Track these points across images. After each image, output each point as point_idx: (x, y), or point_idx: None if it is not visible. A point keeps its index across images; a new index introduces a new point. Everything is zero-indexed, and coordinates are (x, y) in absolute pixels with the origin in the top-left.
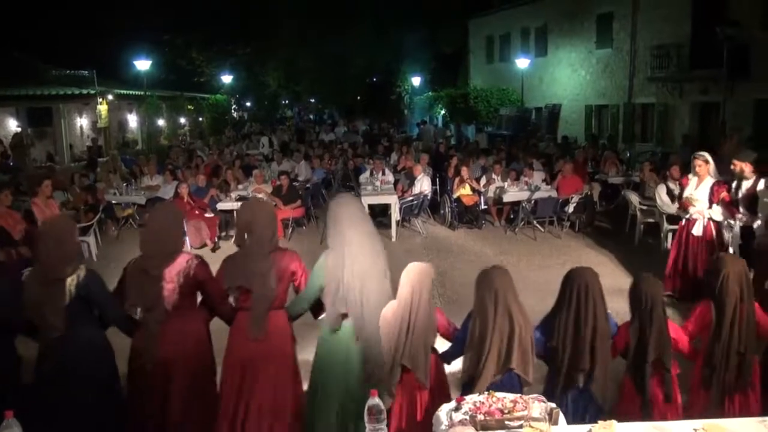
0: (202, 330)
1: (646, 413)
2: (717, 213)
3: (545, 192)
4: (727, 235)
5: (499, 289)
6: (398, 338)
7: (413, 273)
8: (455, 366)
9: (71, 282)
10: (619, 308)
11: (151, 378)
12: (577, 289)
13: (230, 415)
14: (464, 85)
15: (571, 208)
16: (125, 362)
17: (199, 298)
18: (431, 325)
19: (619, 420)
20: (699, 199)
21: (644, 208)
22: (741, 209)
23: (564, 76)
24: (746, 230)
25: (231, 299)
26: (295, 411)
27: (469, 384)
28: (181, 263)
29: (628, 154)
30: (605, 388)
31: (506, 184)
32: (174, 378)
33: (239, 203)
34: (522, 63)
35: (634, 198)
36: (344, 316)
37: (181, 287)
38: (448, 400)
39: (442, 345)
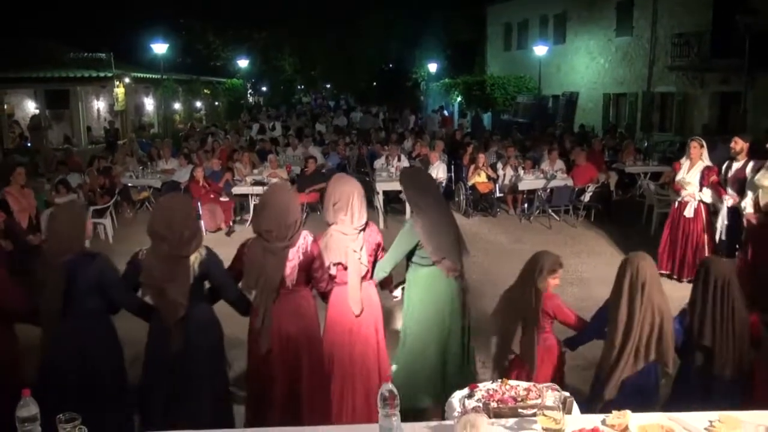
0: (314, 305)
1: None
2: (707, 196)
3: (561, 180)
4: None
5: (647, 279)
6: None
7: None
8: None
9: (195, 260)
10: None
11: (277, 355)
12: (715, 282)
13: (341, 384)
14: (481, 72)
15: (587, 197)
16: None
17: None
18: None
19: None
20: (690, 182)
21: (661, 198)
22: (728, 190)
23: (582, 64)
24: (733, 211)
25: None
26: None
27: (602, 374)
28: (298, 240)
29: (646, 144)
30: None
31: (522, 172)
32: (298, 354)
33: (254, 188)
34: (540, 50)
35: (651, 187)
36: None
37: (301, 264)
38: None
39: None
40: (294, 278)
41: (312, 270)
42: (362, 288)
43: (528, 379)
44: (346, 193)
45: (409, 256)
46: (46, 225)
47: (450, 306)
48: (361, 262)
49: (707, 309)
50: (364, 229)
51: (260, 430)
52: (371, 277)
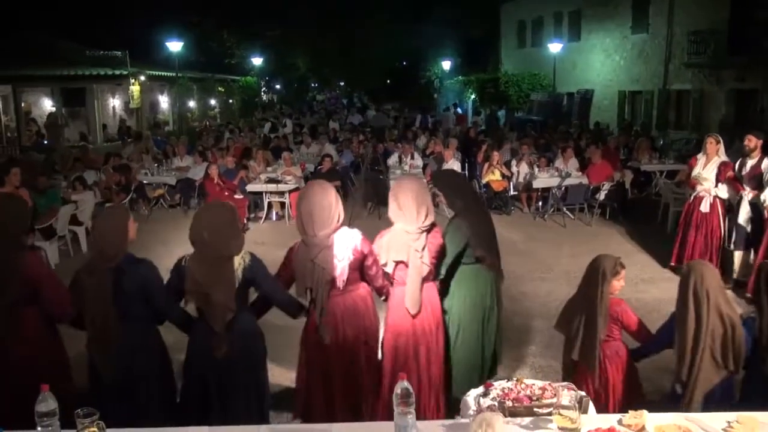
0: (372, 305)
1: None
2: (723, 191)
3: (576, 179)
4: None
5: (711, 287)
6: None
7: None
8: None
9: (239, 266)
10: (648, 298)
11: (334, 354)
12: None
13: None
14: (495, 69)
15: (602, 196)
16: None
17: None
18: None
19: None
20: (707, 177)
21: (677, 196)
22: (745, 186)
23: (597, 61)
24: (753, 206)
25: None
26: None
27: (678, 385)
28: (348, 238)
29: (662, 142)
30: None
31: (536, 169)
32: (355, 354)
33: (268, 185)
34: (554, 48)
35: (666, 186)
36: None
37: (351, 264)
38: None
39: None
40: (345, 278)
41: (365, 268)
42: (423, 289)
43: (600, 386)
44: (405, 191)
45: (458, 257)
46: (91, 234)
47: (489, 299)
48: (423, 262)
49: None
50: (429, 231)
51: (270, 426)
52: (433, 279)
